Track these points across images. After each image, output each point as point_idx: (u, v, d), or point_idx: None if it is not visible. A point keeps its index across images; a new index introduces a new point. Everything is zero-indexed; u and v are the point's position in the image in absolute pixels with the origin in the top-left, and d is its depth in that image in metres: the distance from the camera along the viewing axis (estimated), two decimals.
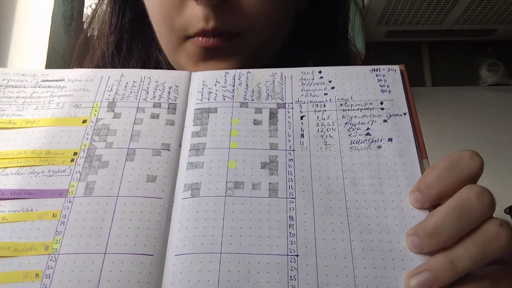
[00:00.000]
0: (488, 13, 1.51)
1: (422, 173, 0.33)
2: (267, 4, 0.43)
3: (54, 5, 1.17)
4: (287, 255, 0.30)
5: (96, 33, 0.55)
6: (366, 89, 0.38)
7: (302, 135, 0.36)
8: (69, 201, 0.32)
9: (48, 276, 0.29)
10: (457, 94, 1.68)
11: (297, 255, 0.30)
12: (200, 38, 0.44)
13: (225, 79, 0.39)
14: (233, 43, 0.44)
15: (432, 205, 0.31)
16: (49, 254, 0.30)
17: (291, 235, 0.31)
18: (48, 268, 0.29)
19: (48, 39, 1.14)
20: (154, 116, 0.37)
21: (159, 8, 0.44)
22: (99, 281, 0.29)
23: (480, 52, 1.76)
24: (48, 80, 0.40)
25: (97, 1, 0.57)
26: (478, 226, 0.27)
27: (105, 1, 0.55)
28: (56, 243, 0.30)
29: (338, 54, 0.52)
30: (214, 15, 0.42)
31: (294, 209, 0.32)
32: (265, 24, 0.45)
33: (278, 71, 0.40)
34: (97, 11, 0.56)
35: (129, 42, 0.53)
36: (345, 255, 0.30)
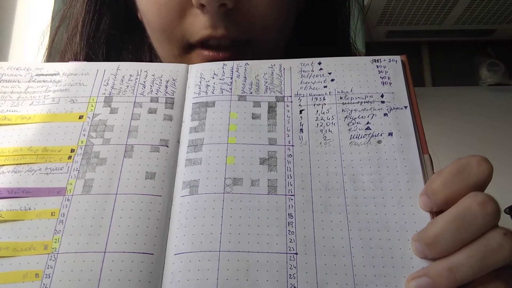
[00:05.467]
0: (488, 13, 1.50)
1: (422, 168, 0.33)
2: (275, 7, 0.41)
3: (54, 5, 1.16)
4: (286, 253, 0.30)
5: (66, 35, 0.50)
6: (367, 81, 0.37)
7: (301, 130, 0.35)
8: (68, 199, 0.32)
9: (48, 276, 0.29)
10: (457, 94, 1.67)
11: (296, 253, 0.30)
12: (207, 52, 0.41)
13: (223, 71, 0.39)
14: (245, 50, 0.42)
15: (439, 210, 0.30)
16: (49, 254, 0.30)
17: (290, 233, 0.30)
18: (47, 268, 0.29)
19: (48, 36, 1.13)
20: (152, 111, 0.37)
21: (157, 17, 0.42)
22: (99, 280, 0.29)
23: (480, 52, 1.75)
24: (42, 74, 0.39)
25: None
26: (482, 235, 0.26)
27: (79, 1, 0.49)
28: (55, 242, 0.30)
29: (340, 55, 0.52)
30: (223, 24, 0.39)
31: (293, 207, 0.31)
32: (275, 28, 0.43)
33: (277, 62, 0.39)
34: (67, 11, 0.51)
35: (109, 45, 0.49)
36: (344, 253, 0.29)
